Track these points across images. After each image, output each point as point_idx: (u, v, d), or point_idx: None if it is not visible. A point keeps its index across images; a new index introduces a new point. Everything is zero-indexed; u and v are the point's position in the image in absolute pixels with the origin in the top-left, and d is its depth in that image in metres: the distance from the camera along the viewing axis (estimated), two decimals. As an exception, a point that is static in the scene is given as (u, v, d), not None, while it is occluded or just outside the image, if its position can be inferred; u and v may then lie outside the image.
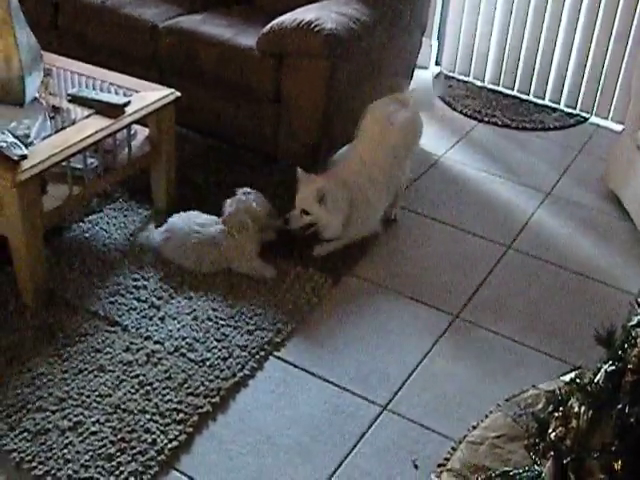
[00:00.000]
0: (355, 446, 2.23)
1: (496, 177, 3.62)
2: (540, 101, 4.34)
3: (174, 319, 2.58)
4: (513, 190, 3.53)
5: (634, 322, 1.56)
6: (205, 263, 2.78)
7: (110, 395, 2.28)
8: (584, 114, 4.23)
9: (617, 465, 1.46)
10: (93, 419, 2.20)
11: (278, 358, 2.50)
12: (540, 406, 2.10)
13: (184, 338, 2.50)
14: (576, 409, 1.60)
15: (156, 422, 2.21)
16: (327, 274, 2.84)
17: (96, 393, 2.29)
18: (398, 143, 3.10)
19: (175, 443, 2.17)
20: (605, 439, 1.50)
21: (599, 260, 3.11)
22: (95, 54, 3.40)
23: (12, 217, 2.41)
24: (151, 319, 2.57)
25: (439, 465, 2.11)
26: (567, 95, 4.27)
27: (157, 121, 2.88)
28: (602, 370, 1.56)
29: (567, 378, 1.77)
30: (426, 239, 3.14)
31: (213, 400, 2.31)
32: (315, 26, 3.01)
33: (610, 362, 1.55)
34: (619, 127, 3.93)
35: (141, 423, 2.21)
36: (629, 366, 1.50)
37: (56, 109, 2.75)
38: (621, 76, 4.06)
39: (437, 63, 4.62)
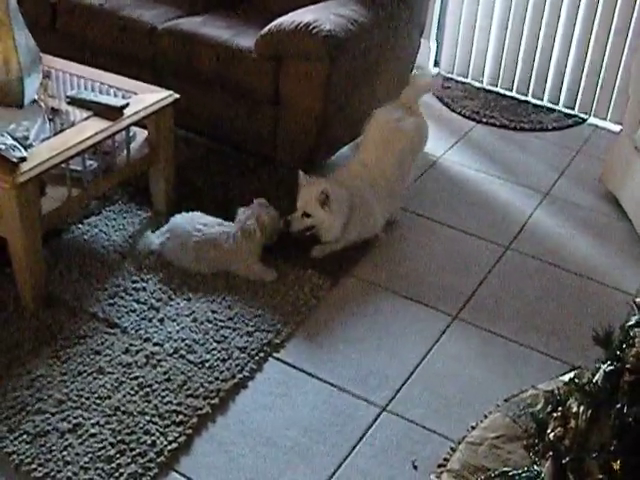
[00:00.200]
0: (355, 447, 2.23)
1: (494, 178, 3.62)
2: (538, 102, 4.34)
3: (173, 321, 2.58)
4: (511, 191, 3.53)
5: (632, 322, 1.56)
6: (204, 263, 2.78)
7: (109, 397, 2.28)
8: (582, 115, 4.24)
9: (616, 465, 1.47)
10: (92, 421, 2.21)
11: (277, 359, 2.50)
12: (539, 406, 2.10)
13: (183, 340, 2.51)
14: (575, 409, 1.60)
15: (156, 424, 2.21)
16: (326, 275, 2.84)
17: (95, 395, 2.29)
18: (405, 149, 3.13)
19: (175, 445, 2.17)
20: (604, 439, 1.50)
21: (597, 260, 3.11)
22: (94, 56, 3.40)
23: (11, 219, 2.41)
24: (150, 321, 2.57)
25: (439, 466, 2.11)
26: (565, 96, 4.27)
27: (156, 123, 2.89)
28: (600, 370, 1.57)
29: (566, 378, 1.77)
30: (425, 240, 3.14)
31: (212, 402, 2.31)
32: (313, 28, 3.01)
33: (608, 362, 1.56)
34: (617, 128, 3.93)
35: (141, 425, 2.21)
36: (627, 366, 1.50)
37: (55, 111, 2.75)
38: (619, 77, 4.07)
39: (436, 64, 4.62)
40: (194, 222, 2.84)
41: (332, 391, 2.40)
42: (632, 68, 3.41)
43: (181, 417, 2.24)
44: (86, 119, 2.69)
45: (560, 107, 4.29)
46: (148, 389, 2.32)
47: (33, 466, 2.07)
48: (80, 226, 2.98)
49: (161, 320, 2.58)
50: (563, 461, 1.59)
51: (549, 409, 1.73)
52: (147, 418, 2.23)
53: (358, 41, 3.16)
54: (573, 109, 4.26)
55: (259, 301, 2.69)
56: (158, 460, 2.12)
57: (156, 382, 2.35)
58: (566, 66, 4.22)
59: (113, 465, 2.09)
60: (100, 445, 2.14)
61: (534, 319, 2.76)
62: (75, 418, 2.21)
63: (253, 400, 2.35)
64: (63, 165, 2.54)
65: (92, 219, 3.02)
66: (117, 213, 3.06)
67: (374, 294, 2.82)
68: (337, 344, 2.58)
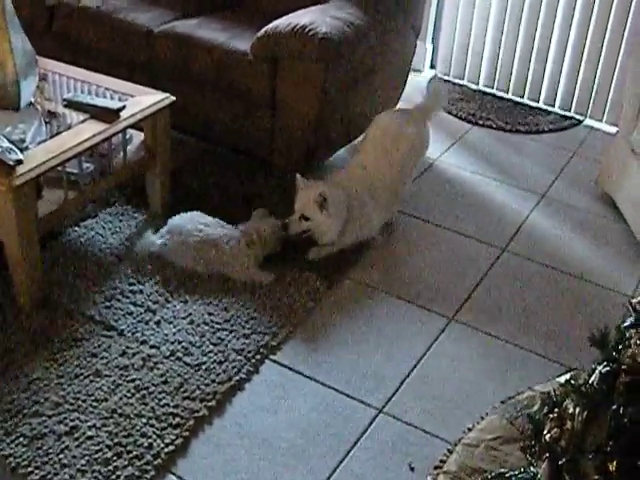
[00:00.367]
0: (351, 449, 2.23)
1: (491, 180, 3.63)
2: (534, 104, 4.35)
3: (170, 323, 2.58)
4: (508, 193, 3.54)
5: (628, 323, 1.57)
6: (202, 262, 2.78)
7: (106, 399, 2.28)
8: (578, 116, 4.25)
9: (612, 466, 1.47)
10: (89, 424, 2.20)
11: (274, 362, 2.50)
12: (535, 408, 2.10)
13: (180, 342, 2.50)
14: (571, 410, 1.60)
15: (152, 426, 2.21)
16: (322, 278, 2.84)
17: (92, 398, 2.28)
18: (406, 154, 3.13)
19: (172, 447, 2.16)
20: (600, 440, 1.50)
21: (593, 262, 3.12)
22: (90, 59, 3.40)
23: (7, 222, 2.41)
24: (147, 323, 2.57)
25: (435, 467, 2.12)
26: (561, 98, 4.29)
27: (152, 125, 2.89)
28: (596, 371, 1.57)
29: (562, 379, 1.77)
30: (421, 242, 3.15)
31: (209, 404, 2.31)
32: (309, 30, 3.02)
33: (604, 363, 1.56)
34: (613, 129, 3.94)
35: (137, 427, 2.20)
36: (623, 367, 1.50)
37: (51, 114, 2.75)
38: (615, 78, 4.08)
39: (432, 66, 4.63)
40: (195, 221, 2.84)
41: (329, 393, 2.40)
42: (628, 70, 3.42)
43: (178, 419, 2.24)
44: (82, 122, 2.69)
45: (556, 109, 4.30)
46: (145, 392, 2.32)
47: (30, 469, 2.07)
48: (77, 229, 2.97)
49: (158, 323, 2.58)
50: (559, 462, 1.59)
51: (545, 410, 1.73)
52: (144, 420, 2.23)
53: (354, 43, 3.16)
54: (569, 111, 4.28)
55: (256, 303, 2.69)
56: (155, 462, 2.12)
57: (153, 385, 2.34)
58: (562, 68, 4.23)
59: (110, 468, 2.09)
60: (97, 448, 2.13)
61: (530, 321, 2.77)
62: (72, 421, 2.20)
63: (250, 402, 2.35)
64: (60, 168, 2.54)
65: (89, 222, 3.01)
66: (114, 215, 3.06)
67: (371, 296, 2.82)
68: (334, 346, 2.59)
